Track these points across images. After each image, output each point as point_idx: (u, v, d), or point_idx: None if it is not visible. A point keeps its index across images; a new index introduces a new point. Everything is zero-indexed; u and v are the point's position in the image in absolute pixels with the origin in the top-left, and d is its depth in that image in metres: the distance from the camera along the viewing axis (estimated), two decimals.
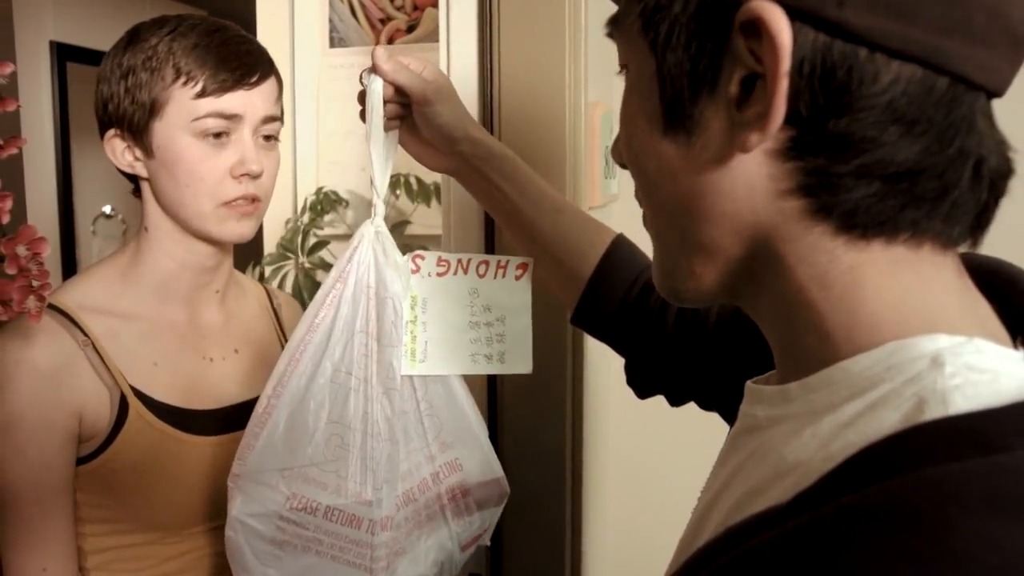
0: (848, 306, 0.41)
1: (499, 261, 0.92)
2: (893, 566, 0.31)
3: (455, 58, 1.18)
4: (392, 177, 1.68)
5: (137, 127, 0.90)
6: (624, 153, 0.49)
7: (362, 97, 0.88)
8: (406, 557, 0.90)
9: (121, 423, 0.89)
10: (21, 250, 0.76)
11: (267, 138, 0.94)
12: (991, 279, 0.45)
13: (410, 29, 1.72)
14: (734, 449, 0.50)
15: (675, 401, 0.83)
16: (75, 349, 0.87)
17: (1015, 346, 0.41)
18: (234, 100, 0.89)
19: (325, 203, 1.72)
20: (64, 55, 3.05)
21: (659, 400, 0.85)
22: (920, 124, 0.38)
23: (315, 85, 1.76)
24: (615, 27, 0.47)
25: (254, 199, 0.92)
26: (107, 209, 3.27)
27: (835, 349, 0.42)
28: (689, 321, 0.79)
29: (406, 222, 1.73)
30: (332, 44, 1.76)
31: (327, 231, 1.73)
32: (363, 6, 1.73)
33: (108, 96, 0.91)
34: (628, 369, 0.86)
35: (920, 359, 0.38)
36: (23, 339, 0.85)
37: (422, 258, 0.90)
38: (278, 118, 0.95)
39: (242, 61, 0.89)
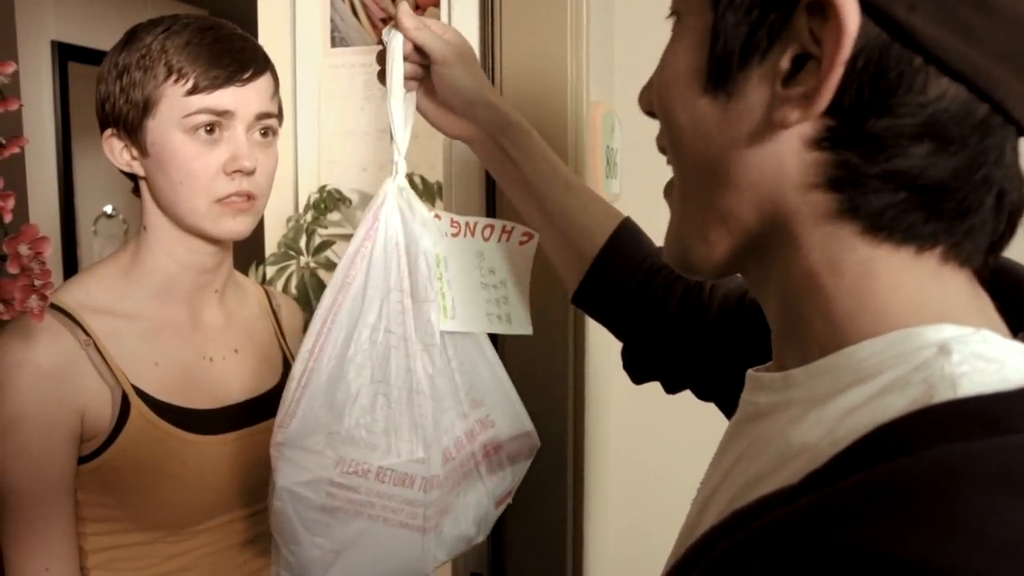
0: (859, 295, 0.42)
1: (504, 226, 0.92)
2: (904, 539, 0.31)
3: None
4: None
5: (132, 126, 0.90)
6: (656, 101, 0.48)
7: (381, 57, 0.87)
8: (449, 516, 0.90)
9: (123, 422, 0.89)
10: (23, 249, 0.76)
11: (264, 135, 0.94)
12: (997, 276, 0.45)
13: None
14: (735, 438, 0.50)
15: (671, 388, 0.83)
16: (77, 349, 0.87)
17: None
18: (226, 96, 0.89)
19: (328, 201, 1.72)
20: (65, 55, 3.05)
21: (662, 396, 0.85)
22: (954, 144, 0.39)
23: (316, 84, 1.76)
24: None
25: (249, 196, 0.92)
26: (108, 209, 3.28)
27: (839, 335, 0.42)
28: (691, 311, 0.79)
29: None
30: (333, 44, 1.75)
31: (332, 230, 1.73)
32: (364, 6, 1.73)
33: (105, 95, 0.91)
34: (625, 353, 0.86)
35: (927, 347, 0.39)
36: (25, 339, 0.85)
37: (439, 218, 0.89)
38: (274, 115, 0.95)
39: (234, 58, 0.90)
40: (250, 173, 0.91)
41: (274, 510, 0.84)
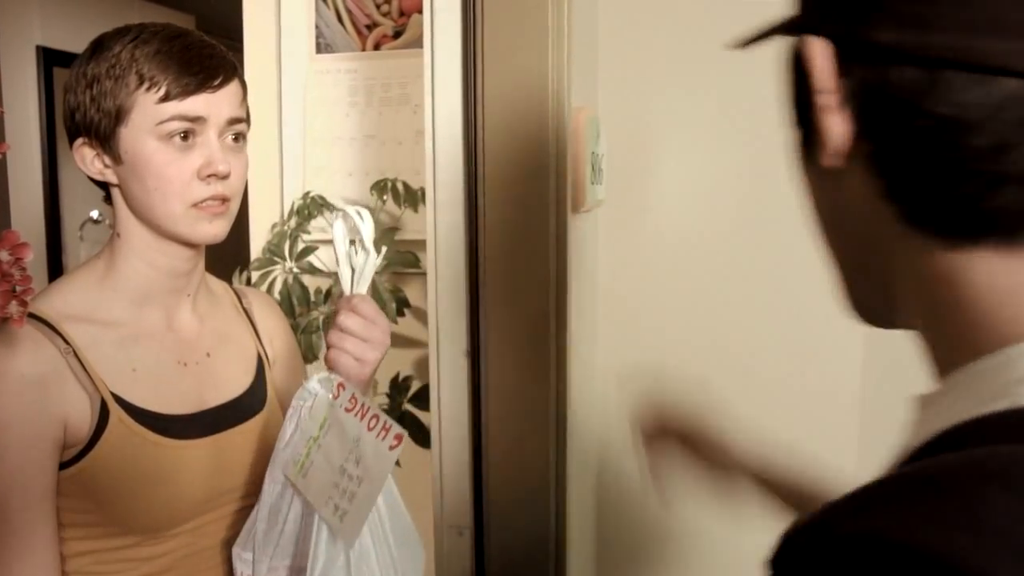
0: (962, 306, 0.42)
1: (385, 423, 0.88)
2: (919, 526, 0.32)
3: (439, 63, 1.19)
4: (380, 182, 1.68)
5: (104, 134, 0.91)
6: None
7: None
8: None
9: (102, 429, 0.89)
10: (3, 255, 0.76)
11: (235, 140, 0.95)
12: None
13: (396, 35, 1.73)
14: None
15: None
16: (58, 357, 0.87)
17: None
18: (197, 103, 0.90)
19: (312, 208, 1.72)
20: (51, 60, 3.05)
21: None
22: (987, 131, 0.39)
23: (302, 91, 1.76)
24: None
25: (224, 199, 0.93)
26: (94, 214, 3.26)
27: (955, 351, 0.43)
28: None
29: (395, 228, 1.73)
30: (319, 50, 1.76)
31: (315, 236, 1.73)
32: (349, 12, 1.73)
33: (75, 106, 0.92)
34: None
35: None
36: (7, 348, 0.85)
37: (343, 388, 0.92)
38: (244, 120, 0.96)
39: (204, 65, 0.91)
40: (225, 177, 0.92)
41: None
